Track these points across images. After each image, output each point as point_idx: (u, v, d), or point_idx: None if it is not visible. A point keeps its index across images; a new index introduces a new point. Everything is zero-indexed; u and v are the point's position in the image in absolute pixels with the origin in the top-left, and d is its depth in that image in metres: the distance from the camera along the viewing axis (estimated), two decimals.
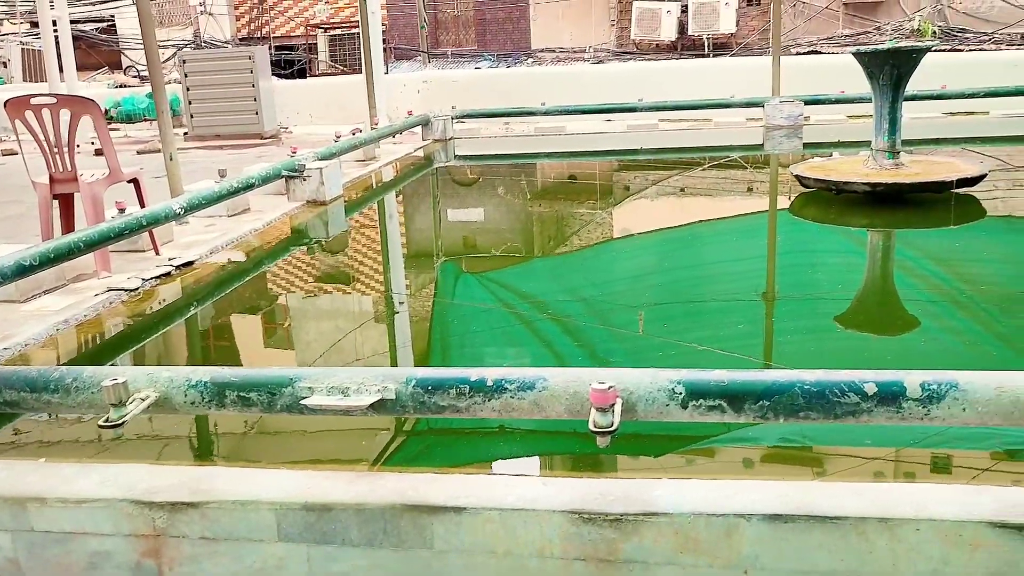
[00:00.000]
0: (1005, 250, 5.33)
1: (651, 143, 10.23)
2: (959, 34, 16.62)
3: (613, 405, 2.07)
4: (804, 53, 16.34)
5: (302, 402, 2.23)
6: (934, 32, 16.61)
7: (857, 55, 5.83)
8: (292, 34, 18.04)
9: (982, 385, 2.07)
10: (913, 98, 8.85)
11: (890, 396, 2.09)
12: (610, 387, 2.06)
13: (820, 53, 16.09)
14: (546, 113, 9.98)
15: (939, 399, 2.08)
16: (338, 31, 14.83)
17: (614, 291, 4.83)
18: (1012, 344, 3.80)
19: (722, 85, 10.80)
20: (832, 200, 6.02)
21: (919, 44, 5.80)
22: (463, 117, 10.29)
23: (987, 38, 16.24)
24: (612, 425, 2.03)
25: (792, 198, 6.42)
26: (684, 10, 18.07)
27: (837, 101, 9.57)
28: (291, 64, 16.13)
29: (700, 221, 6.66)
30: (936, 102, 9.60)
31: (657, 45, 18.70)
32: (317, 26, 15.03)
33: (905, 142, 6.16)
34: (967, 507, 2.15)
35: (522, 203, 7.74)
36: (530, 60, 19.13)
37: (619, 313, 4.33)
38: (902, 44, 5.89)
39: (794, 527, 2.17)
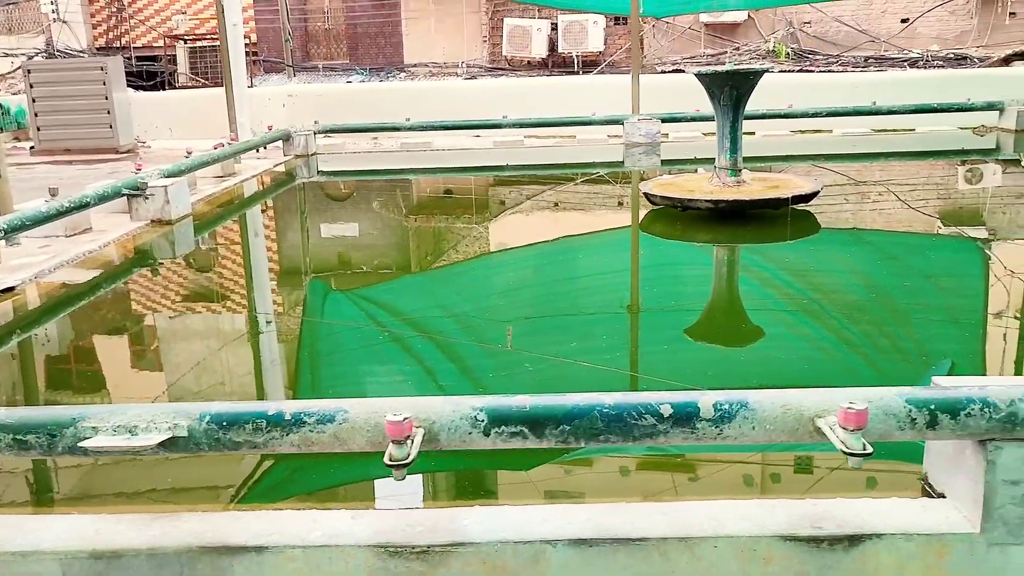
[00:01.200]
0: (838, 261, 5.63)
1: (516, 159, 10.32)
2: (810, 56, 17.53)
3: (410, 437, 2.02)
4: (668, 72, 16.87)
5: (83, 444, 2.09)
6: (787, 53, 17.49)
7: (699, 76, 6.04)
8: (153, 44, 17.32)
9: (769, 404, 2.14)
10: (761, 116, 9.29)
11: (685, 417, 2.13)
12: (406, 418, 2.02)
13: (683, 72, 16.65)
14: (410, 129, 9.93)
15: (730, 419, 2.13)
16: (200, 43, 14.33)
17: (482, 306, 4.82)
18: (854, 348, 4.02)
19: (590, 102, 11.01)
20: (678, 216, 6.21)
21: (755, 67, 6.07)
22: (326, 132, 10.11)
23: (835, 60, 17.20)
24: (408, 458, 1.99)
25: (642, 215, 6.58)
26: (554, 28, 18.40)
27: (692, 119, 9.91)
28: (153, 76, 15.50)
29: (555, 239, 6.74)
30: (785, 120, 10.10)
31: (529, 62, 18.94)
32: (177, 37, 14.48)
33: (758, 159, 6.44)
34: (760, 522, 2.22)
35: (384, 219, 7.65)
36: (403, 75, 19.02)
37: (489, 328, 4.33)
38: (740, 66, 6.13)
39: (599, 551, 2.18)
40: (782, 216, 6.16)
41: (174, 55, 14.36)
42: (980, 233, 6.20)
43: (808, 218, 6.26)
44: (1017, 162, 9.14)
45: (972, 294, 4.82)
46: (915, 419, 2.11)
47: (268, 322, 4.68)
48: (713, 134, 5.48)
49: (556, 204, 8.12)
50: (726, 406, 2.14)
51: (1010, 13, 16.74)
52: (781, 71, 15.77)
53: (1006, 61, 12.11)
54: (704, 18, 17.97)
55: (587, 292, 5.18)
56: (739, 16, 17.93)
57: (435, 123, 9.94)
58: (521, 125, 9.89)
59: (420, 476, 2.82)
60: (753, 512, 2.27)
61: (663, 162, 9.66)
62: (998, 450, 2.14)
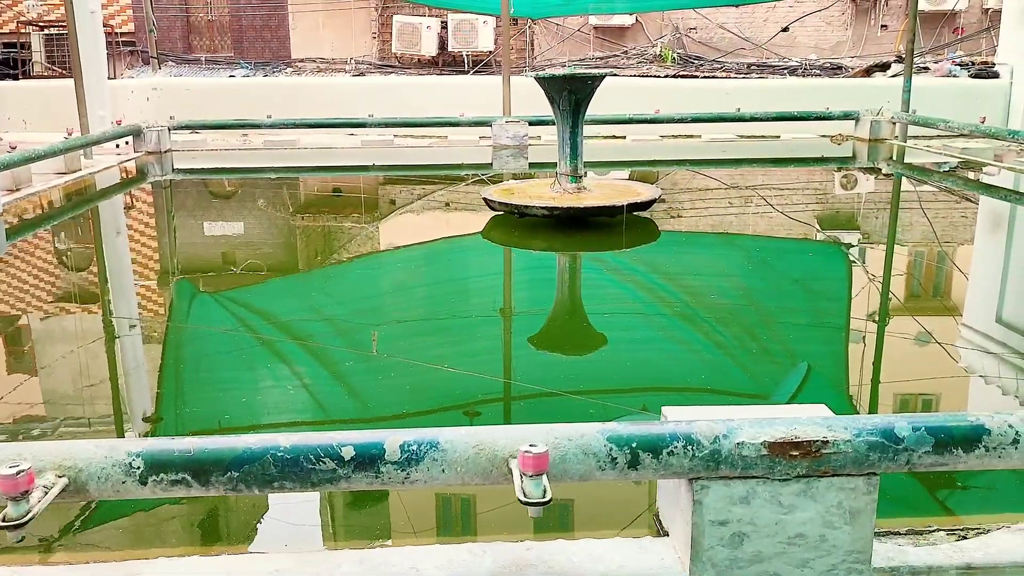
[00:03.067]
0: (675, 266, 5.58)
1: (383, 160, 10.05)
2: (695, 61, 17.77)
3: (28, 492, 1.76)
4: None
5: None
6: (673, 58, 17.69)
7: (538, 80, 5.91)
8: (3, 31, 16.30)
9: (462, 443, 1.96)
10: (627, 121, 9.27)
11: (368, 460, 1.93)
12: (21, 471, 1.75)
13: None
14: (270, 126, 9.55)
15: (418, 460, 1.94)
16: (55, 30, 13.52)
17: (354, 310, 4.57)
18: (686, 347, 3.99)
19: (473, 102, 10.81)
20: (518, 224, 6.06)
21: (593, 72, 5.97)
22: (181, 128, 9.63)
23: (719, 66, 17.48)
24: (24, 517, 1.72)
25: (484, 221, 6.42)
26: (444, 27, 18.15)
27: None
28: (15, 64, 14.57)
29: (393, 247, 6.53)
30: (669, 126, 10.13)
31: (419, 60, 18.64)
32: (29, 23, 13.64)
33: (628, 163, 6.35)
34: (464, 571, 2.05)
35: (240, 218, 7.28)
36: (289, 70, 18.47)
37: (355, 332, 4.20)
38: (578, 71, 6.03)
39: None
40: (620, 223, 6.09)
41: (27, 42, 13.52)
42: (828, 235, 6.28)
43: (648, 225, 6.21)
44: (872, 170, 9.38)
45: (799, 295, 4.83)
46: (615, 458, 1.97)
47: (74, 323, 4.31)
48: (595, 137, 5.45)
49: (404, 207, 7.90)
50: (414, 446, 1.95)
51: (882, 25, 17.35)
52: (667, 76, 15.94)
53: (867, 72, 12.46)
54: (593, 21, 18.03)
55: (421, 300, 4.98)
56: (627, 20, 18.05)
57: (296, 121, 9.58)
58: (386, 124, 9.62)
59: None
60: (459, 558, 2.09)
61: (531, 165, 9.54)
62: (704, 489, 2.02)
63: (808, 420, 2.03)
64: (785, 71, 16.74)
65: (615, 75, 10.33)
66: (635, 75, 16.16)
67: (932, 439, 2.01)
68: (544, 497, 1.82)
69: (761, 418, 2.04)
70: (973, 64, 11.40)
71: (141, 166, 9.31)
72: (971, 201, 7.72)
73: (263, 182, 9.16)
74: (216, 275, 5.59)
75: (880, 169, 9.34)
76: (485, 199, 6.08)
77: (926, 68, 12.19)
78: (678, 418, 2.16)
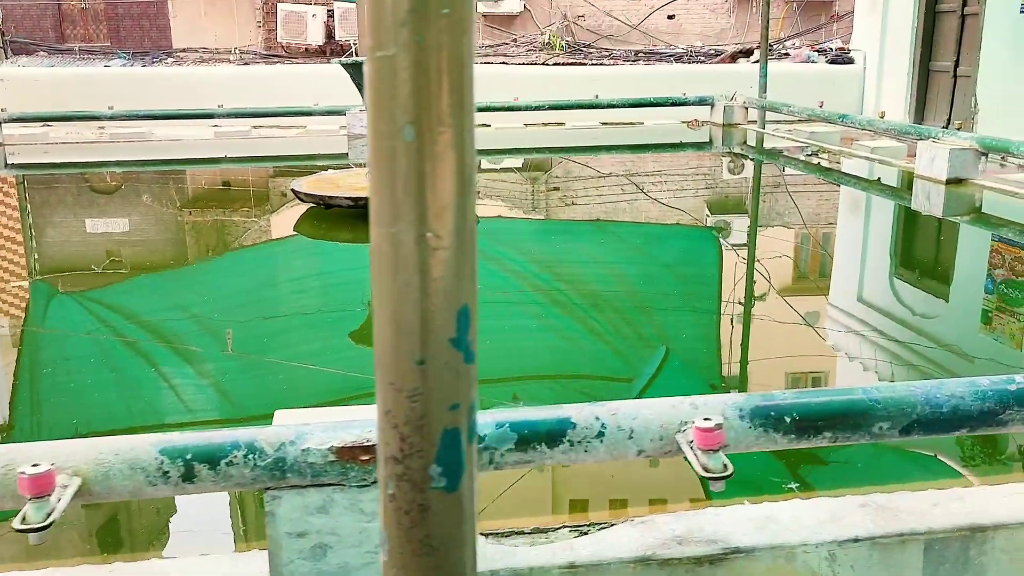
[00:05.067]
0: (500, 256, 5.50)
1: (237, 151, 9.73)
2: (584, 49, 17.77)
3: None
4: None
5: None
6: (562, 46, 17.65)
7: (344, 67, 5.72)
8: None
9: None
10: (486, 108, 9.14)
11: None
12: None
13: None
14: (111, 118, 9.14)
15: None
16: None
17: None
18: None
19: (340, 91, 10.52)
20: (328, 216, 5.88)
21: None
22: (14, 120, 9.14)
23: (606, 53, 17.51)
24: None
25: (300, 213, 6.22)
26: (331, 15, 17.75)
27: None
28: None
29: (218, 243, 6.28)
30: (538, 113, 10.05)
31: (307, 49, 18.22)
32: None
33: (490, 151, 6.22)
34: None
35: (74, 216, 6.92)
36: (170, 60, 17.85)
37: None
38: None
39: None
40: None
41: None
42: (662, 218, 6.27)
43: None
44: (732, 155, 9.46)
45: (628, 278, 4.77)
46: (167, 472, 1.82)
47: None
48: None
49: (225, 202, 7.64)
50: None
51: None
52: (555, 63, 15.89)
53: (733, 58, 12.60)
54: (481, 8, 17.85)
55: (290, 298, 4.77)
56: (515, 7, 17.93)
57: (140, 112, 9.19)
58: (236, 115, 9.32)
59: None
60: None
61: None
62: (276, 500, 1.88)
63: None
64: (672, 58, 16.89)
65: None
66: (524, 63, 16.09)
67: (515, 435, 1.92)
68: (45, 521, 1.67)
69: (339, 421, 1.92)
70: (832, 50, 11.62)
71: None
72: (824, 184, 7.83)
73: (99, 177, 8.77)
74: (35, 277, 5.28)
75: (737, 153, 9.43)
76: (293, 190, 5.88)
77: (787, 55, 12.39)
78: (286, 423, 2.03)
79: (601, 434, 1.94)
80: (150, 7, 18.66)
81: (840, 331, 4.12)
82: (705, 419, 1.85)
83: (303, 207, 6.16)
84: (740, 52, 12.70)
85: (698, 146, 9.94)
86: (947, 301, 4.68)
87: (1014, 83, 8.57)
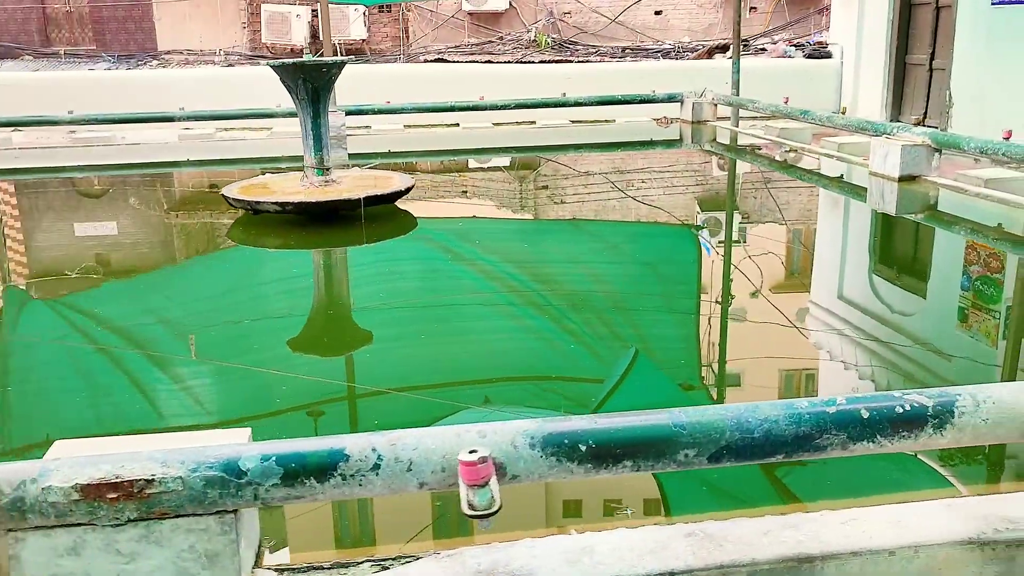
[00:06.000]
0: (417, 263, 5.37)
1: (201, 154, 9.63)
2: (570, 45, 17.58)
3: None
4: (432, 60, 16.50)
5: None
6: (548, 43, 17.47)
7: (274, 68, 5.59)
8: None
9: None
10: (450, 108, 9.02)
11: None
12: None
13: (447, 61, 16.34)
14: (70, 123, 9.05)
15: None
16: None
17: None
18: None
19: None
20: (259, 221, 5.75)
21: (330, 60, 5.67)
22: None
23: (593, 50, 17.32)
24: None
25: (232, 219, 6.09)
26: (315, 15, 17.64)
27: (381, 111, 9.52)
28: None
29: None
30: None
31: (292, 49, 18.12)
32: None
33: (460, 151, 6.12)
34: None
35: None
36: (155, 62, 17.80)
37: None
38: (313, 59, 5.73)
39: None
40: (377, 215, 5.83)
41: None
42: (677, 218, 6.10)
43: (403, 217, 5.98)
44: (703, 152, 9.26)
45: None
46: None
47: None
48: (435, 125, 5.28)
49: (174, 207, 7.52)
50: None
51: (751, 8, 17.39)
52: (541, 61, 15.72)
53: (710, 54, 12.39)
54: (467, 6, 17.71)
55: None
56: (501, 5, 17.77)
57: (99, 116, 9.11)
58: (196, 118, 9.22)
59: None
60: None
61: (350, 156, 9.22)
62: (20, 542, 1.74)
63: (143, 456, 1.77)
64: (659, 54, 16.68)
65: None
66: (510, 61, 15.92)
67: (281, 469, 1.78)
68: None
69: (92, 456, 1.77)
70: (810, 44, 11.40)
71: None
72: (789, 182, 7.65)
73: (67, 181, 8.68)
74: None
75: (707, 150, 9.24)
76: (223, 195, 5.75)
77: (764, 50, 12.17)
78: (64, 454, 1.90)
79: (377, 466, 1.79)
80: (135, 10, 18.62)
81: (776, 325, 4.02)
82: (471, 452, 1.70)
83: (236, 213, 6.03)
84: (717, 48, 12.49)
85: (668, 143, 9.75)
86: (894, 297, 4.51)
87: (987, 76, 8.36)
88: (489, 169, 9.21)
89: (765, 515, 2.08)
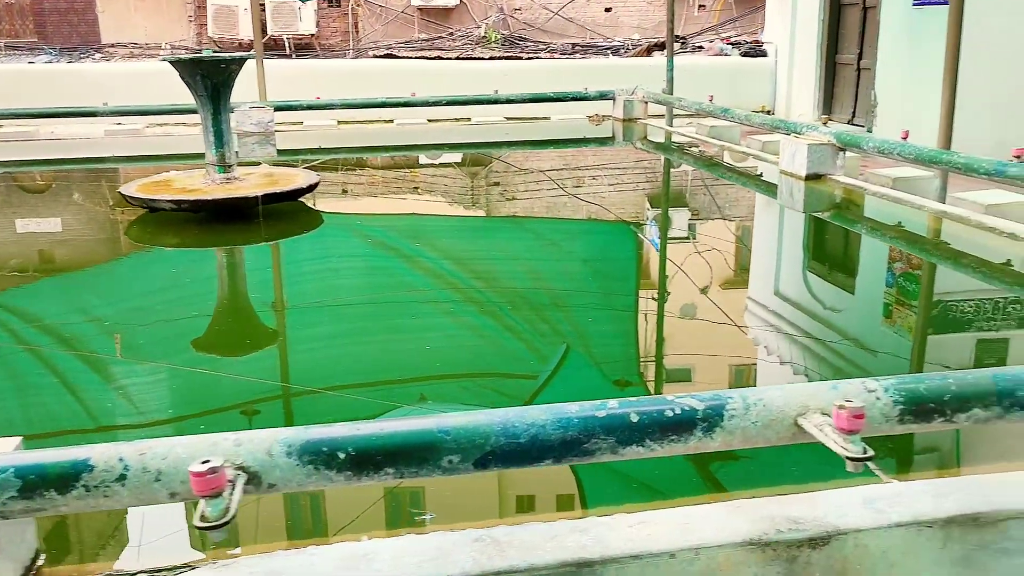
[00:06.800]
0: (330, 260, 5.31)
1: (126, 150, 9.48)
2: (520, 42, 17.55)
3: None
4: (381, 56, 16.37)
5: None
6: (497, 39, 17.42)
7: (172, 64, 5.48)
8: None
9: None
10: (381, 105, 8.95)
11: None
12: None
13: (395, 57, 16.22)
14: None
15: None
16: None
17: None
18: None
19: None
20: (158, 219, 5.65)
21: (228, 56, 5.57)
22: None
23: (543, 47, 17.29)
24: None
25: (135, 218, 5.97)
26: (263, 8, 17.43)
27: (311, 107, 9.42)
28: None
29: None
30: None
31: (240, 44, 17.90)
32: None
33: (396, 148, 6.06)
34: None
35: None
36: (99, 55, 17.49)
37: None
38: (211, 54, 5.63)
39: None
40: (280, 212, 5.75)
41: None
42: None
43: (307, 215, 5.92)
44: (634, 149, 9.27)
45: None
46: None
47: None
48: (346, 122, 5.23)
49: (75, 205, 7.38)
50: None
51: (700, 5, 17.49)
52: (491, 58, 15.65)
53: (649, 51, 12.42)
54: (416, 1, 17.61)
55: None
56: (451, 0, 17.69)
57: (19, 111, 8.91)
58: (119, 113, 9.05)
59: None
60: None
61: (280, 152, 9.11)
62: None
63: None
64: (608, 51, 16.71)
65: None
66: (459, 57, 15.84)
67: (20, 481, 1.71)
68: None
69: None
70: (746, 43, 11.45)
71: None
72: (709, 180, 7.68)
73: None
74: None
75: (638, 148, 9.26)
76: (120, 193, 5.63)
77: (701, 47, 12.22)
78: None
79: (123, 477, 1.73)
80: (77, 1, 18.29)
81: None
82: (203, 462, 1.65)
83: (139, 211, 5.92)
84: (655, 45, 12.51)
85: (600, 141, 9.75)
86: (796, 290, 4.55)
87: (909, 76, 8.44)
88: (425, 166, 9.16)
89: (558, 520, 2.06)
